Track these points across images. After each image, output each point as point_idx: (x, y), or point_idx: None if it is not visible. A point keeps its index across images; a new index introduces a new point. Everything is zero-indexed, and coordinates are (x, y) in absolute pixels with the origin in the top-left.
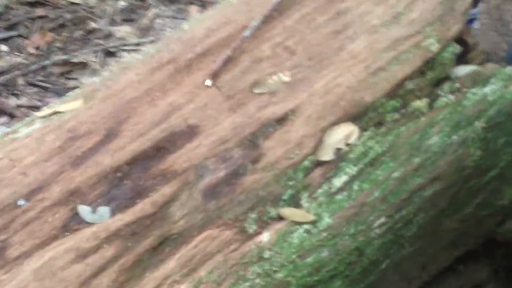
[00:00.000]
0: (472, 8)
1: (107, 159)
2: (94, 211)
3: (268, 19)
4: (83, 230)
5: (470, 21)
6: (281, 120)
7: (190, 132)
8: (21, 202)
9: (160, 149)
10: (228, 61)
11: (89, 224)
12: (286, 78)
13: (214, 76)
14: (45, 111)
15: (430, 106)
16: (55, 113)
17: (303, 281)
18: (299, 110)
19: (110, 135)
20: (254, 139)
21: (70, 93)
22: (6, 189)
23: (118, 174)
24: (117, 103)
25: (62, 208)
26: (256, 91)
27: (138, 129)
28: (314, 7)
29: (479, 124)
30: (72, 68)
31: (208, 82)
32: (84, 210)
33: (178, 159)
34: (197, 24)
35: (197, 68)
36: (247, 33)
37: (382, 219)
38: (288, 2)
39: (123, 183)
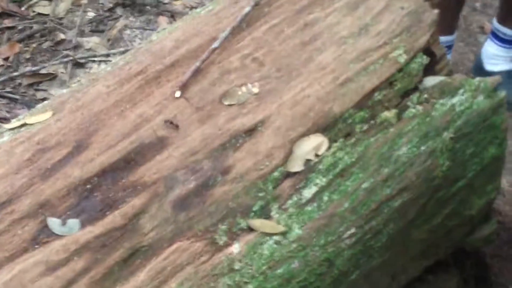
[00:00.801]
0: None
1: (76, 171)
2: (63, 223)
3: (236, 31)
4: (52, 242)
5: (448, 47)
6: (251, 132)
7: (160, 144)
8: None
9: (129, 161)
10: (197, 73)
11: (59, 236)
12: (255, 89)
13: (184, 87)
14: (14, 123)
15: (399, 117)
16: (24, 125)
17: None
18: (268, 122)
19: (79, 147)
20: (223, 150)
21: (39, 105)
22: None
23: (88, 186)
24: (86, 114)
25: (32, 220)
26: (226, 102)
27: (107, 141)
28: (282, 19)
29: (447, 135)
30: (41, 80)
31: (178, 94)
32: (53, 223)
33: (148, 171)
34: (166, 35)
35: (166, 80)
36: (216, 44)
37: (352, 230)
38: (257, 13)
39: (93, 195)
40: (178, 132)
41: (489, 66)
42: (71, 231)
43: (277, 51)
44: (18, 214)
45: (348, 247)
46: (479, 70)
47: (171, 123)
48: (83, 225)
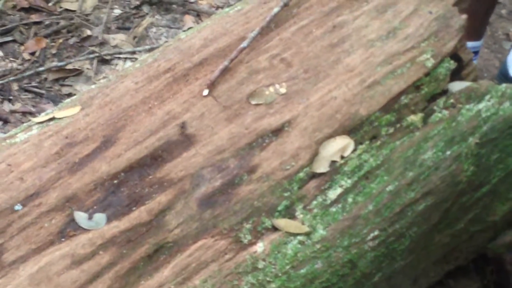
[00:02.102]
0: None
1: (104, 166)
2: (90, 217)
3: (265, 31)
4: (79, 236)
5: (475, 53)
6: (277, 132)
7: (187, 141)
8: (18, 207)
9: (156, 158)
10: (226, 72)
11: (85, 230)
12: (282, 90)
13: (212, 86)
14: (42, 116)
15: (425, 121)
16: (53, 119)
17: None
18: (295, 122)
19: (107, 142)
20: (250, 149)
21: (67, 100)
22: (3, 194)
23: (115, 181)
24: (115, 110)
25: (59, 214)
26: (253, 102)
27: (135, 137)
28: (311, 20)
29: (472, 140)
30: (67, 75)
31: (205, 92)
32: (80, 217)
33: (175, 168)
34: (195, 33)
35: (194, 78)
36: (244, 44)
37: (376, 232)
38: (285, 14)
39: (120, 191)
40: (206, 130)
41: None
42: (98, 226)
43: (305, 52)
44: (46, 207)
45: (371, 249)
46: (503, 77)
47: (182, 127)
48: (109, 219)
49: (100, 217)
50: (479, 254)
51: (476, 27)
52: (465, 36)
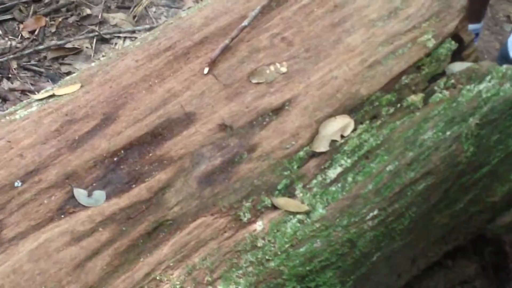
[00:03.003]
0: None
1: (103, 144)
2: (90, 194)
3: (266, 10)
4: (78, 213)
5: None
6: (278, 111)
7: (187, 120)
8: (17, 183)
9: (156, 135)
10: (226, 50)
11: (85, 207)
12: (283, 69)
13: (212, 64)
14: (42, 94)
15: (425, 101)
16: (53, 96)
17: (295, 270)
18: (296, 101)
19: (107, 120)
20: (250, 128)
21: (67, 77)
22: (2, 170)
23: (115, 159)
24: (115, 88)
25: (58, 190)
26: (254, 81)
27: (135, 115)
28: None
29: (473, 121)
30: (66, 54)
31: (206, 70)
32: (80, 194)
33: (175, 146)
34: (196, 12)
35: (195, 56)
36: (245, 22)
37: (375, 212)
38: None
39: (119, 168)
40: (206, 108)
41: None
42: (97, 203)
43: (306, 32)
44: (45, 184)
45: (371, 228)
46: (504, 58)
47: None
48: (109, 197)
49: (99, 194)
50: (478, 235)
51: (476, 10)
52: (466, 17)
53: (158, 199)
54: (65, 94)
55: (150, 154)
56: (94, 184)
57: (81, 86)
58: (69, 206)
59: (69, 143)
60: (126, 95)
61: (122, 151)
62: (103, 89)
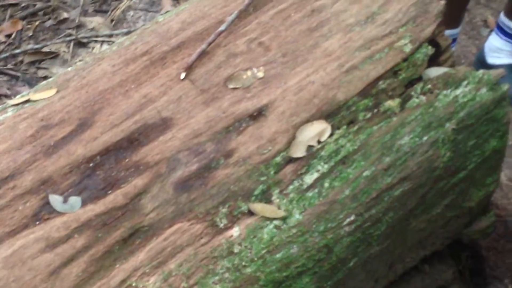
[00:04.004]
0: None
1: (79, 149)
2: (65, 201)
3: (243, 15)
4: (54, 219)
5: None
6: (255, 116)
7: (164, 125)
8: None
9: (133, 141)
10: (203, 55)
11: (60, 213)
12: (260, 74)
13: (189, 69)
14: (18, 99)
15: (402, 106)
16: (28, 101)
17: (272, 276)
18: (273, 106)
19: (83, 125)
20: (226, 133)
21: (43, 82)
22: None
23: (91, 165)
24: (91, 93)
25: (34, 197)
26: (230, 86)
27: (111, 120)
28: (289, 4)
29: (449, 126)
30: (43, 58)
31: (183, 75)
32: (55, 200)
33: (151, 151)
34: (173, 16)
35: (172, 61)
36: (222, 27)
37: (352, 217)
38: None
39: (95, 174)
40: (183, 114)
41: (491, 59)
42: (73, 209)
43: (283, 36)
44: (20, 190)
45: (347, 234)
46: (480, 63)
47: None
48: (84, 203)
49: (75, 200)
50: (454, 240)
51: (453, 15)
52: (443, 22)
53: (134, 205)
54: (41, 99)
55: (127, 160)
56: (70, 190)
57: (57, 91)
58: (45, 212)
59: (44, 148)
60: (102, 100)
61: (98, 157)
62: (79, 94)
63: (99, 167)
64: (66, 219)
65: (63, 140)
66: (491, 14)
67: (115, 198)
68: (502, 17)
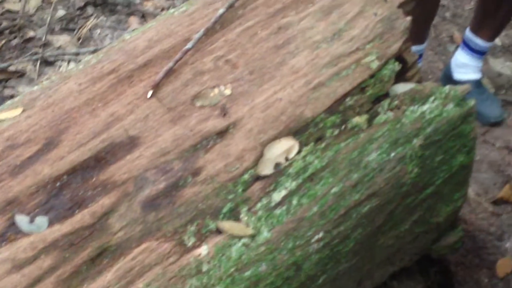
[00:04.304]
0: (419, 43)
1: (46, 169)
2: (32, 221)
3: (210, 32)
4: (20, 240)
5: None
6: (222, 134)
7: (131, 143)
8: None
9: (100, 160)
10: (170, 73)
11: (27, 234)
12: (227, 91)
13: (156, 87)
14: None
15: (370, 122)
16: None
17: None
18: (240, 124)
19: (49, 145)
20: (194, 151)
21: (9, 101)
22: None
23: (57, 184)
24: (57, 112)
25: None
26: (198, 103)
27: (78, 139)
28: (256, 21)
29: (417, 142)
30: (9, 77)
31: (150, 94)
32: (21, 220)
33: (118, 170)
34: (139, 35)
35: (138, 79)
36: (189, 45)
37: (320, 234)
38: (231, 15)
39: (62, 193)
40: (150, 132)
41: (458, 75)
42: (39, 229)
43: (250, 54)
44: None
45: (316, 251)
46: (447, 79)
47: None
48: (51, 223)
49: (41, 220)
50: (423, 256)
51: (419, 31)
52: (409, 39)
53: (102, 224)
54: (6, 119)
55: (94, 179)
56: (37, 210)
57: (23, 110)
58: (11, 233)
59: (10, 168)
60: (69, 119)
61: (65, 176)
62: (45, 113)
63: (66, 187)
64: (33, 239)
65: (29, 159)
66: (457, 30)
67: (82, 217)
68: (468, 33)
